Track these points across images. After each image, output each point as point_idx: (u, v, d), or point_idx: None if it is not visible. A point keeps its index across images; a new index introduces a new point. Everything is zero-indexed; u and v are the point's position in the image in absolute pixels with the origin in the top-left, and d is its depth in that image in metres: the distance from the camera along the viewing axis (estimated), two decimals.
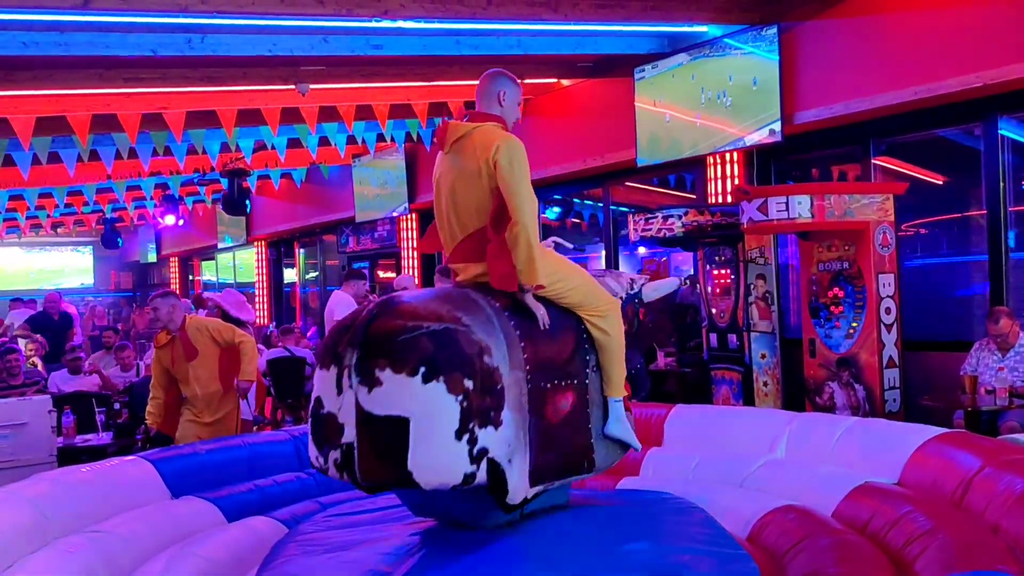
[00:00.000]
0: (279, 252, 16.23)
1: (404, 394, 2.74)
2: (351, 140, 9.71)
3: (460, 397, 2.79)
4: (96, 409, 6.26)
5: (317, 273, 15.44)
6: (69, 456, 5.76)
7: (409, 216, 11.57)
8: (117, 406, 6.53)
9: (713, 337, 7.08)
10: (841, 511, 3.74)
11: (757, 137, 6.98)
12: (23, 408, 5.29)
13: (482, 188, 3.25)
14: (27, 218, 14.36)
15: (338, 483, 4.77)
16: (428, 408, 2.74)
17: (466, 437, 2.80)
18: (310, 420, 3.05)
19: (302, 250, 15.88)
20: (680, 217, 6.96)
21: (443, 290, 3.34)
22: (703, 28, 7.18)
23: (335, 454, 2.89)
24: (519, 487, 3.01)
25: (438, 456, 2.76)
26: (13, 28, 5.27)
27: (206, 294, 6.69)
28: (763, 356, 6.81)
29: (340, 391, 2.87)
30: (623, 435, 3.51)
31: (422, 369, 2.74)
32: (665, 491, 4.23)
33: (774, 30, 6.78)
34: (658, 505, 3.95)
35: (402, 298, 3.05)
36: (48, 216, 14.46)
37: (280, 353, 9.45)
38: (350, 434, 2.83)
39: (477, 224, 3.28)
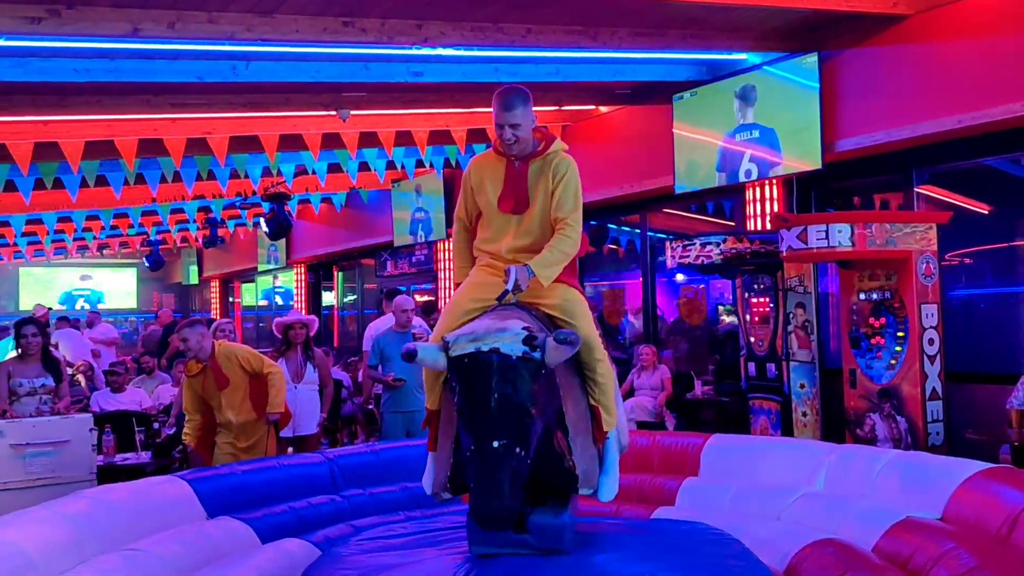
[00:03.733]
0: (318, 275, 16.40)
1: None
2: (390, 165, 9.81)
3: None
4: (136, 428, 6.33)
5: (355, 297, 15.55)
6: (109, 474, 5.83)
7: (447, 241, 11.65)
8: (156, 426, 6.61)
9: (751, 366, 7.00)
10: (881, 546, 3.66)
11: (797, 165, 6.92)
12: (65, 426, 5.37)
13: None
14: (74, 239, 14.67)
15: (371, 506, 4.84)
16: None
17: None
18: None
19: (341, 274, 16.02)
20: (718, 244, 6.91)
21: None
22: (742, 56, 7.17)
23: None
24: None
25: None
26: (66, 55, 5.42)
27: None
28: (802, 386, 6.70)
29: None
30: None
31: None
32: (701, 522, 4.17)
33: (815, 58, 6.74)
34: (694, 536, 3.89)
35: None
36: (95, 237, 14.77)
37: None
38: None
39: None
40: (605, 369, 3.39)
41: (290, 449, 6.36)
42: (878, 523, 3.79)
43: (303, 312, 14.92)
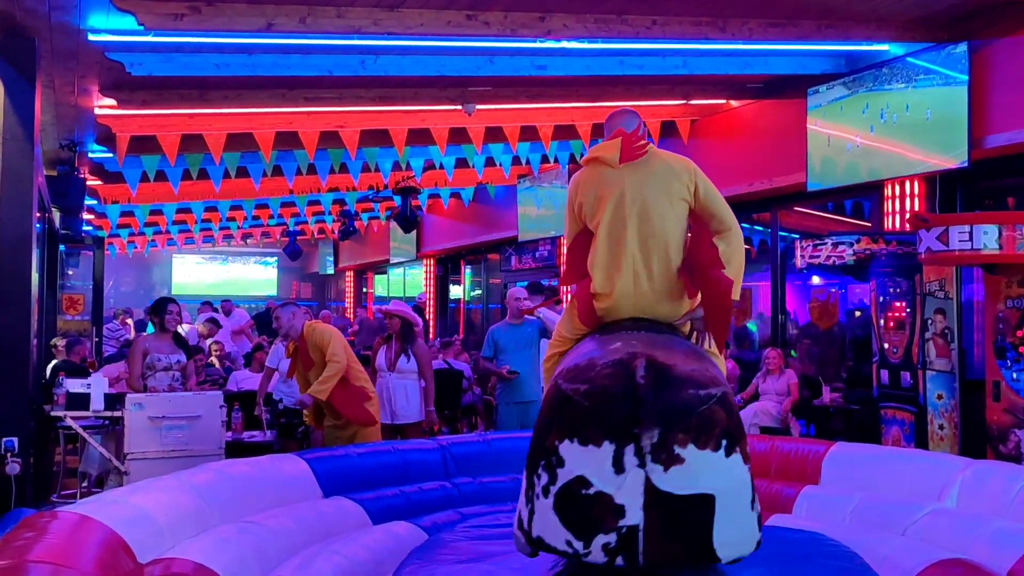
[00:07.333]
0: (446, 269, 16.69)
1: (709, 470, 2.65)
2: (516, 161, 9.87)
3: (749, 465, 2.74)
4: (263, 408, 6.61)
5: (480, 291, 15.74)
6: (236, 451, 6.11)
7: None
8: (281, 407, 6.88)
9: (884, 374, 6.63)
10: (1017, 571, 3.39)
11: (940, 162, 6.51)
12: (198, 402, 5.68)
13: (677, 213, 3.23)
14: (220, 228, 15.48)
15: (480, 495, 4.88)
16: (733, 482, 2.68)
17: (756, 504, 2.78)
18: (561, 502, 2.70)
19: (468, 268, 16.25)
20: (852, 245, 6.58)
21: (672, 340, 3.06)
22: (884, 47, 6.80)
23: (606, 538, 2.65)
24: None
25: (741, 529, 2.70)
26: (207, 51, 5.72)
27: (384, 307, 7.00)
28: (940, 397, 6.30)
29: (621, 470, 2.65)
30: None
31: (724, 442, 2.65)
32: (818, 532, 3.99)
33: (963, 48, 6.31)
34: (808, 546, 3.73)
35: (665, 361, 2.76)
36: (238, 227, 15.55)
37: (439, 365, 9.69)
38: (634, 516, 2.64)
39: (672, 254, 3.20)
40: None
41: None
42: (1014, 545, 3.51)
43: (429, 302, 15.23)
